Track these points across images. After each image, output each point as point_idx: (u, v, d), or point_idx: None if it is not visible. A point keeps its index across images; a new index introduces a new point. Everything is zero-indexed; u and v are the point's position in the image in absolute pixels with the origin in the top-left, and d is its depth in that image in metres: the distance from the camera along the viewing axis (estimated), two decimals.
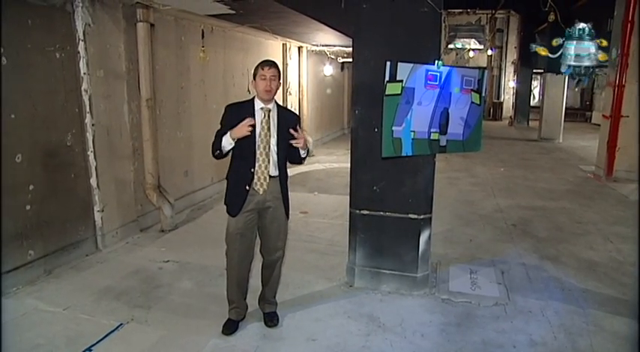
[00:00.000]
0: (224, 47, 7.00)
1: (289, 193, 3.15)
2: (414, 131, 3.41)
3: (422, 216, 3.73)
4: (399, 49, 3.56)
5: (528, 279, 4.11)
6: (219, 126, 3.02)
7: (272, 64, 2.98)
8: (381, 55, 3.52)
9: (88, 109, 4.36)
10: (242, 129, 2.88)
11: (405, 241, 3.75)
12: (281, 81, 3.01)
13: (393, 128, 3.36)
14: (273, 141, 2.98)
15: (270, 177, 3.01)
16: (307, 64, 10.53)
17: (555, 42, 4.60)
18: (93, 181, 4.49)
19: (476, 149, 3.73)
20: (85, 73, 4.29)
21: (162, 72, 5.53)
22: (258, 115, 2.97)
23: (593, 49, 3.42)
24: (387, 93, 3.30)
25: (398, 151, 3.43)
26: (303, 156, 3.05)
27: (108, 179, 4.64)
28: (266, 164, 2.97)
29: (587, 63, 3.45)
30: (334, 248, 4.70)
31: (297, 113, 3.23)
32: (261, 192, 2.99)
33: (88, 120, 4.37)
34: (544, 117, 13.90)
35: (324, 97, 12.71)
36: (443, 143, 3.57)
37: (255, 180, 2.98)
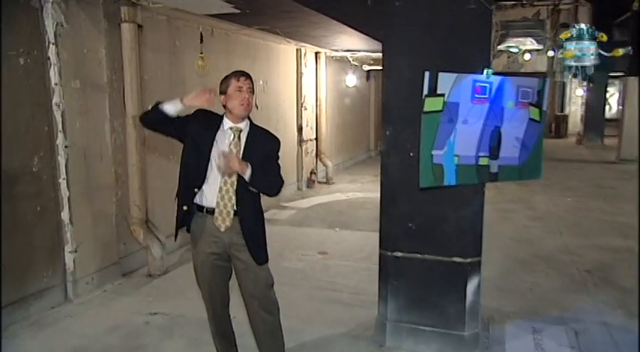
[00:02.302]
0: (227, 53, 7.03)
1: (265, 231, 3.08)
2: (458, 155, 3.34)
3: (469, 260, 3.63)
4: (440, 55, 3.46)
5: (614, 343, 3.85)
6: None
7: (247, 75, 2.98)
8: (418, 63, 3.43)
9: (60, 127, 4.30)
10: (201, 97, 2.80)
11: (448, 290, 3.66)
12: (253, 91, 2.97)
13: (433, 152, 3.25)
14: None
15: (235, 212, 2.92)
16: (326, 72, 10.61)
17: None
18: (64, 215, 4.41)
19: (535, 176, 3.59)
20: (56, 84, 4.24)
21: (152, 83, 5.52)
22: (225, 137, 2.93)
23: (593, 49, 3.58)
24: (425, 109, 3.20)
25: (439, 180, 3.32)
26: (247, 180, 2.88)
27: (83, 212, 4.56)
28: (230, 196, 2.91)
29: (587, 63, 3.58)
30: (360, 297, 4.63)
31: (279, 138, 3.14)
32: (222, 229, 2.94)
33: (60, 140, 4.32)
34: (625, 133, 13.12)
35: (347, 113, 12.78)
36: (494, 170, 3.49)
37: (216, 215, 2.93)
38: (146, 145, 5.41)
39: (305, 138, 9.96)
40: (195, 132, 2.88)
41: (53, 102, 4.25)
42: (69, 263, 4.46)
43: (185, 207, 3.00)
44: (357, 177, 11.42)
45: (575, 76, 3.62)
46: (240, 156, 2.91)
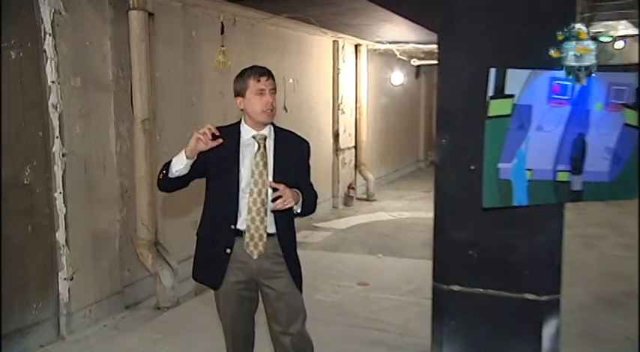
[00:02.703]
0: (251, 46, 7.09)
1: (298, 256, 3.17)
2: (530, 169, 3.23)
3: (545, 297, 3.49)
4: (510, 47, 3.39)
5: None
6: None
7: (268, 73, 2.98)
8: (482, 58, 3.36)
9: (57, 133, 4.36)
10: (198, 142, 2.77)
11: (519, 334, 3.53)
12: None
13: (500, 165, 3.17)
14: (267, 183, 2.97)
15: (268, 235, 2.99)
16: (367, 69, 10.62)
17: None
18: (60, 236, 4.45)
19: (631, 196, 3.46)
20: (53, 82, 4.30)
21: (164, 81, 5.59)
22: (248, 148, 2.98)
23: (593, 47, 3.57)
24: (490, 114, 3.13)
25: (507, 199, 3.23)
26: (296, 211, 2.99)
27: (82, 232, 4.60)
28: (262, 217, 2.96)
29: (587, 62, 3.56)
30: (408, 339, 4.61)
31: (307, 139, 3.24)
32: (255, 256, 2.99)
33: (56, 148, 4.37)
34: None
35: (392, 116, 12.78)
36: (577, 187, 3.36)
37: (247, 240, 2.98)
38: (157, 154, 5.46)
39: (342, 147, 9.98)
40: (215, 157, 2.89)
41: (49, 102, 4.31)
42: (63, 292, 4.49)
43: (229, 250, 2.99)
44: (404, 192, 11.41)
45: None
46: (271, 170, 2.96)
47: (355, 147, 10.54)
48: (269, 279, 3.03)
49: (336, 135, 9.79)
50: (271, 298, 3.05)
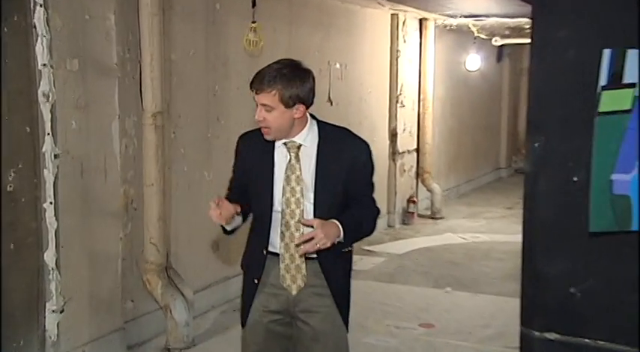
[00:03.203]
0: (289, 23, 7.15)
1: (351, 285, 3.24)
2: None
3: None
4: (629, 22, 3.23)
5: None
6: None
7: (261, 86, 2.95)
8: (591, 36, 3.21)
9: (48, 129, 4.38)
10: (212, 213, 3.01)
11: None
12: (294, 103, 2.98)
13: (614, 177, 3.02)
14: (310, 198, 3.06)
15: (307, 258, 3.07)
16: (435, 50, 10.56)
17: None
18: (49, 257, 4.47)
19: None
20: (44, 64, 4.31)
21: (181, 65, 5.63)
22: (280, 156, 3.11)
23: None
24: (602, 109, 2.98)
25: (622, 222, 3.07)
26: (339, 241, 3.02)
27: (76, 253, 4.63)
28: (301, 233, 3.05)
29: None
30: None
31: (365, 140, 3.27)
32: (294, 292, 3.11)
33: (47, 147, 4.39)
34: None
35: (465, 111, 12.73)
36: None
37: (282, 273, 3.09)
38: (171, 156, 5.50)
39: (401, 149, 9.96)
40: (251, 169, 3.16)
41: (39, 90, 4.31)
42: (51, 328, 4.48)
43: (256, 281, 3.16)
44: (480, 209, 11.37)
45: None
46: (311, 184, 3.05)
47: (417, 150, 10.50)
48: (306, 313, 3.09)
49: (393, 135, 9.77)
50: (306, 337, 3.11)
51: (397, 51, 9.59)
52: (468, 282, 7.22)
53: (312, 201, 3.07)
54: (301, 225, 3.06)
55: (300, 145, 3.06)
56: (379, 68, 9.40)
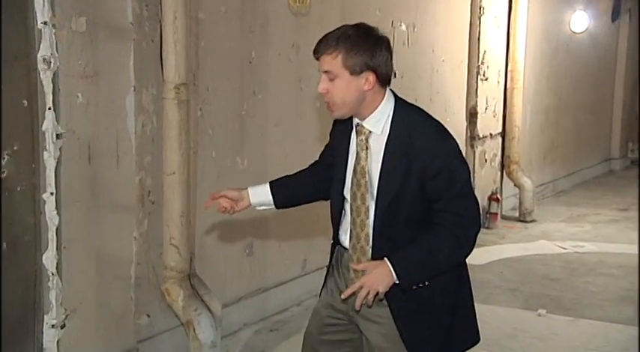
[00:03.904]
0: None
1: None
2: None
3: None
4: None
5: None
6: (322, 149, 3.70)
7: (324, 47, 3.15)
8: None
9: (49, 102, 4.42)
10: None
11: None
12: (362, 70, 3.12)
13: None
14: (372, 193, 3.24)
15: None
16: (529, 5, 10.45)
17: None
18: (48, 259, 4.51)
19: None
20: (45, 23, 4.35)
21: (211, 26, 5.65)
22: (354, 139, 3.36)
23: None
24: None
25: None
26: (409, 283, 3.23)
27: (82, 255, 4.68)
28: (362, 245, 3.28)
29: None
30: None
31: (448, 143, 3.28)
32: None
33: (48, 125, 4.44)
34: None
35: (567, 86, 12.63)
36: None
37: (352, 275, 3.31)
38: (198, 138, 5.52)
39: (481, 134, 9.96)
40: (334, 147, 3.50)
41: (39, 56, 4.35)
42: (49, 347, 4.53)
43: (326, 268, 3.62)
44: (584, 211, 11.21)
45: None
46: (373, 180, 3.21)
47: (503, 134, 10.49)
48: (365, 321, 3.32)
49: (472, 115, 9.75)
50: (369, 344, 3.34)
51: (480, 8, 9.52)
52: (568, 304, 7.09)
53: (374, 199, 3.22)
54: (367, 223, 3.25)
55: (370, 132, 3.20)
56: (456, 30, 9.35)
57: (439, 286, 3.25)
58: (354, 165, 3.25)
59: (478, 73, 9.70)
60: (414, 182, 3.12)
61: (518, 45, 10.32)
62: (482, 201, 9.90)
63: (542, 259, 8.62)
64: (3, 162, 4.27)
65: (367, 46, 3.08)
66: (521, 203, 10.57)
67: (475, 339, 3.43)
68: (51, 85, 4.41)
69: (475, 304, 6.41)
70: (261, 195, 3.55)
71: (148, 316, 5.22)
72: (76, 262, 4.63)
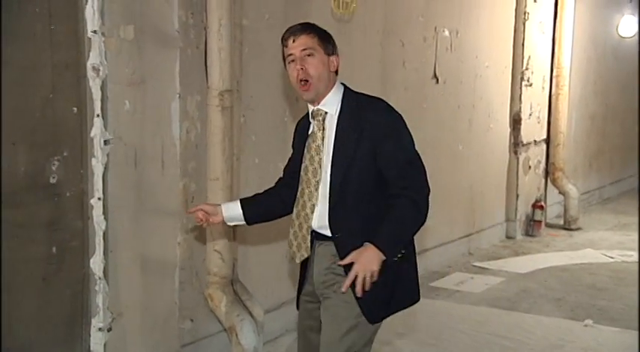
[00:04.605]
0: None
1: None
2: None
3: None
4: None
5: None
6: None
7: (300, 30, 3.56)
8: None
9: (97, 109, 4.54)
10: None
11: None
12: (332, 53, 3.58)
13: None
14: (328, 168, 3.57)
15: (320, 236, 3.62)
16: (575, 11, 10.38)
17: None
18: (95, 264, 4.63)
19: None
20: (95, 32, 4.47)
21: (255, 33, 5.71)
22: (312, 126, 3.68)
23: None
24: None
25: None
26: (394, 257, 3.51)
27: (128, 260, 4.80)
28: (307, 213, 3.62)
29: None
30: None
31: (393, 114, 3.62)
32: (297, 260, 3.74)
33: (96, 131, 4.57)
34: None
35: (614, 92, 12.50)
36: None
37: (290, 237, 3.70)
38: (241, 144, 5.56)
39: (525, 140, 9.91)
40: (297, 153, 3.77)
41: (88, 63, 4.48)
42: (96, 349, 4.64)
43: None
44: (632, 218, 10.99)
45: None
46: (329, 154, 3.54)
47: (547, 141, 10.43)
48: (324, 298, 3.63)
49: (515, 121, 9.72)
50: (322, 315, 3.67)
51: (525, 13, 9.47)
52: (616, 314, 6.94)
53: (329, 173, 3.54)
54: (317, 202, 3.57)
55: (327, 113, 3.57)
56: (500, 36, 9.34)
57: None
58: (309, 143, 3.59)
59: (522, 79, 9.66)
60: (365, 151, 3.45)
61: (563, 50, 10.27)
62: (526, 209, 9.93)
63: (588, 268, 8.49)
64: (53, 168, 4.40)
65: (329, 36, 3.58)
66: (566, 211, 10.52)
67: (416, 298, 3.71)
68: (99, 92, 4.53)
69: (518, 313, 6.42)
70: (232, 211, 3.85)
71: (192, 321, 5.28)
72: (122, 266, 4.75)
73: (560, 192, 10.61)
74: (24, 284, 4.35)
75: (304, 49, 3.47)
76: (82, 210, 4.59)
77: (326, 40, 3.53)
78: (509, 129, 9.70)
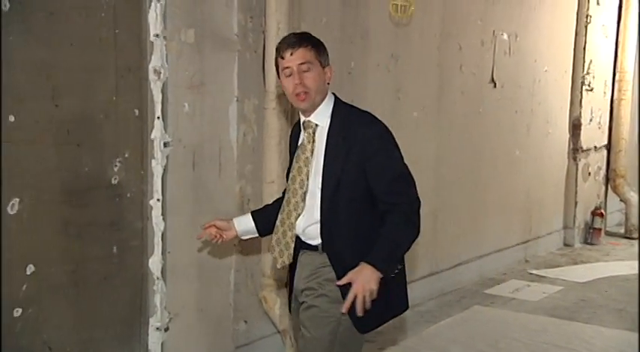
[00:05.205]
0: None
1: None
2: None
3: None
4: None
5: None
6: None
7: (298, 42, 3.56)
8: None
9: (158, 112, 4.72)
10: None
11: None
12: (327, 64, 3.63)
13: None
14: (317, 181, 3.63)
15: (304, 245, 3.72)
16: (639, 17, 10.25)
17: None
18: (154, 264, 4.80)
19: None
20: (157, 35, 4.64)
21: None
22: (302, 136, 3.74)
23: None
24: None
25: None
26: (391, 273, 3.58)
27: (185, 261, 4.94)
28: (291, 222, 3.70)
29: None
30: None
31: (382, 128, 3.63)
32: (278, 265, 3.85)
33: (156, 133, 4.73)
34: None
35: None
36: None
37: (273, 242, 3.78)
38: None
39: (585, 146, 9.89)
40: (293, 153, 3.82)
41: (150, 66, 4.65)
42: (154, 348, 4.80)
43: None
44: None
45: None
46: (318, 167, 3.60)
47: (608, 147, 10.38)
48: (304, 297, 3.70)
49: (575, 127, 9.70)
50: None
51: (587, 16, 9.45)
52: None
53: (319, 187, 3.59)
54: (303, 212, 3.63)
55: (316, 126, 3.62)
56: (561, 39, 9.32)
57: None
58: (298, 154, 3.66)
59: (583, 84, 9.63)
60: (354, 165, 3.50)
61: (627, 54, 10.19)
62: (585, 216, 9.91)
63: None
64: (115, 169, 4.57)
65: (324, 47, 3.63)
66: (627, 219, 10.45)
67: (405, 307, 3.80)
68: (160, 95, 4.70)
69: (577, 323, 6.33)
70: (245, 225, 3.94)
71: (246, 322, 5.37)
72: (179, 267, 4.90)
73: (621, 200, 10.56)
74: (86, 282, 4.49)
75: (302, 63, 3.50)
76: (141, 210, 4.74)
77: (322, 52, 3.59)
78: (568, 135, 9.69)
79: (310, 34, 3.64)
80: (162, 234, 4.81)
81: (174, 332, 4.92)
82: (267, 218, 3.90)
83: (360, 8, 6.25)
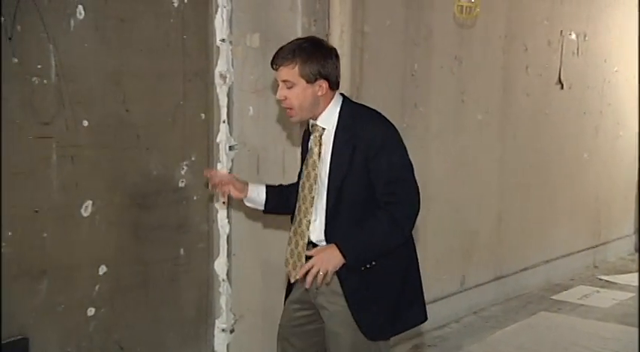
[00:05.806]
0: None
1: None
2: None
3: None
4: None
5: None
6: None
7: (281, 59, 3.58)
8: None
9: (224, 115, 4.90)
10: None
11: None
12: (317, 78, 3.56)
13: None
14: (324, 183, 3.65)
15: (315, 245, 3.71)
16: None
17: None
18: (219, 266, 4.99)
19: None
20: (223, 40, 4.82)
21: (375, 39, 5.91)
22: (311, 138, 3.77)
23: None
24: None
25: None
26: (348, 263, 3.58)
27: (249, 263, 5.10)
28: (302, 230, 3.73)
29: None
30: None
31: (387, 127, 3.67)
32: (292, 279, 3.84)
33: (222, 137, 4.92)
34: None
35: None
36: None
37: (287, 254, 3.80)
38: None
39: None
40: (305, 149, 3.85)
41: (216, 71, 4.83)
42: (220, 349, 4.97)
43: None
44: None
45: None
46: (325, 170, 3.63)
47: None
48: (323, 310, 3.71)
49: None
50: (326, 331, 3.73)
51: None
52: None
53: (326, 189, 3.64)
54: (315, 217, 3.66)
55: (324, 130, 3.66)
56: (632, 39, 9.23)
57: (388, 266, 3.62)
58: (307, 159, 3.71)
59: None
60: (359, 165, 3.54)
61: None
62: None
63: None
64: (182, 172, 4.76)
65: (319, 57, 3.57)
66: None
67: (422, 318, 3.79)
68: (226, 99, 4.88)
69: None
70: (257, 195, 3.94)
71: None
72: (244, 270, 5.05)
73: None
74: (155, 284, 4.68)
75: (285, 81, 3.55)
76: (207, 213, 4.90)
77: (309, 67, 3.53)
78: (638, 137, 9.61)
79: (299, 47, 3.57)
80: (228, 237, 4.97)
81: (240, 334, 5.07)
82: (277, 197, 3.97)
83: (424, 10, 6.32)
